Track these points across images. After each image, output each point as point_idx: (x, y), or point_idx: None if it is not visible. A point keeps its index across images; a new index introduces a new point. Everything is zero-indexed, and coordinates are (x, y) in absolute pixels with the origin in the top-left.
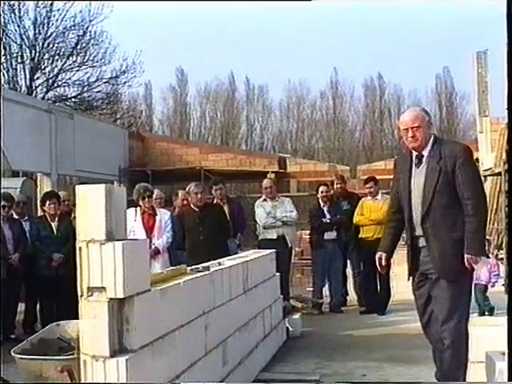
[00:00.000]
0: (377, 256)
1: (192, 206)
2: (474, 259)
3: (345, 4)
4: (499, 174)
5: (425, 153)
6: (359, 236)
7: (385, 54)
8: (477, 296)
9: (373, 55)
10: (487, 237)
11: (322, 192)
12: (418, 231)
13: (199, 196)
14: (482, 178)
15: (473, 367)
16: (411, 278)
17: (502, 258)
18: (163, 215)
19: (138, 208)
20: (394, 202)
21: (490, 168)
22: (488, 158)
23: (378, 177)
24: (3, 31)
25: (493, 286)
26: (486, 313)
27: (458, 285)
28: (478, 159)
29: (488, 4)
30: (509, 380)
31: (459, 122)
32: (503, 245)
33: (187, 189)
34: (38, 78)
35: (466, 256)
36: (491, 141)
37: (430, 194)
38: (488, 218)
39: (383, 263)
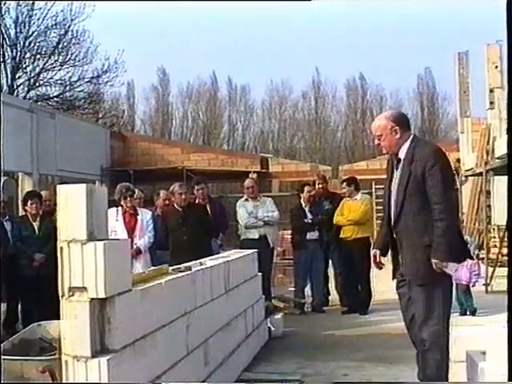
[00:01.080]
0: (371, 253)
1: (175, 205)
2: (439, 264)
3: (326, 5)
4: (480, 174)
5: (401, 155)
6: (340, 236)
7: (367, 54)
8: (458, 296)
9: (355, 56)
10: (467, 237)
11: (308, 192)
12: (394, 234)
13: (183, 196)
14: (463, 179)
15: (454, 367)
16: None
17: (482, 258)
18: (145, 215)
19: (120, 208)
20: (383, 201)
21: (472, 168)
22: (469, 158)
23: (359, 177)
24: None
25: (473, 286)
26: (468, 313)
27: (431, 288)
28: (459, 159)
29: (469, 5)
30: (509, 380)
31: (441, 122)
32: (484, 245)
33: (171, 189)
34: (19, 77)
35: (432, 261)
36: (472, 141)
37: (401, 198)
38: (464, 221)
39: (377, 260)
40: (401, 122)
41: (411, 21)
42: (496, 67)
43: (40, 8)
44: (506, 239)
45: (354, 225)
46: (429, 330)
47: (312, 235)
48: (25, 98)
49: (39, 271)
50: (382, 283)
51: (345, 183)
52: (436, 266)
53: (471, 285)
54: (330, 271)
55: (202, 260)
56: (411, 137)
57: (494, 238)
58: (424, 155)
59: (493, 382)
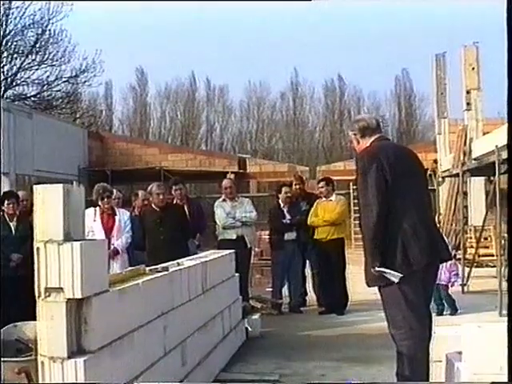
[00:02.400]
0: None
1: (153, 206)
2: (374, 270)
3: (305, 6)
4: (457, 175)
5: None
6: (314, 237)
7: (345, 55)
8: (435, 296)
9: (333, 57)
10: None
11: (285, 192)
12: None
13: (161, 197)
14: (440, 180)
15: (433, 367)
16: None
17: (459, 259)
18: (122, 215)
19: (98, 208)
20: None
21: (448, 169)
22: (446, 159)
23: (337, 178)
24: None
25: (452, 286)
26: (445, 312)
27: (387, 292)
28: (436, 160)
29: (447, 6)
30: (509, 380)
31: (418, 123)
32: (460, 245)
33: (149, 189)
34: None
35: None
36: (449, 142)
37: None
38: (441, 222)
39: None
40: (359, 129)
41: (389, 22)
42: (473, 69)
43: (17, 7)
44: (482, 240)
45: (330, 225)
46: (394, 333)
47: (290, 236)
48: (2, 97)
49: (16, 271)
50: (360, 284)
51: (322, 183)
52: (373, 271)
53: (450, 285)
54: (308, 271)
55: (179, 260)
56: (370, 141)
57: (471, 238)
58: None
59: (470, 383)
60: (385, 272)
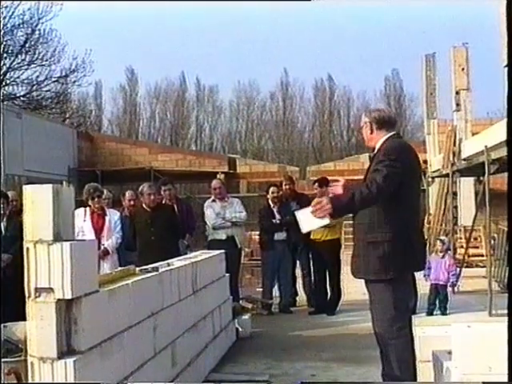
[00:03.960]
0: None
1: (144, 206)
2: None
3: (294, 6)
4: (447, 175)
5: (375, 151)
6: (310, 237)
7: (335, 55)
8: (428, 296)
9: (323, 57)
10: (442, 237)
11: (272, 193)
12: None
13: (151, 197)
14: (430, 180)
15: (421, 366)
16: None
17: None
18: (113, 216)
19: (88, 208)
20: None
21: (438, 169)
22: (435, 159)
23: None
24: None
25: (451, 286)
26: (435, 312)
27: (377, 289)
28: (425, 161)
29: (436, 7)
30: (509, 380)
31: (407, 123)
32: (450, 245)
33: (140, 189)
34: None
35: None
36: (439, 142)
37: None
38: (431, 222)
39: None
40: (376, 119)
41: (378, 23)
42: (462, 69)
43: (6, 6)
44: (472, 240)
45: (325, 227)
46: (380, 332)
47: (280, 236)
48: None
49: (5, 272)
50: (350, 284)
51: (316, 184)
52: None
53: (449, 284)
54: (298, 272)
55: (169, 261)
56: (388, 135)
57: (461, 238)
58: (382, 151)
59: (459, 382)
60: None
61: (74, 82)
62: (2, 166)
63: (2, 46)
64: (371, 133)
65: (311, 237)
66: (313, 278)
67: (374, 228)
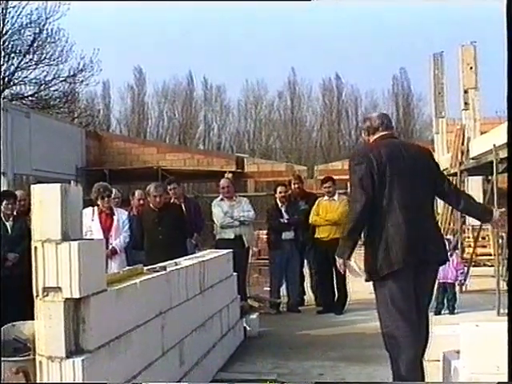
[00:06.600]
0: None
1: (151, 206)
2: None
3: (302, 5)
4: (455, 174)
5: None
6: (315, 236)
7: (343, 54)
8: (437, 295)
9: (331, 56)
10: (448, 236)
11: (280, 192)
12: None
13: (158, 199)
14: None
15: (429, 366)
16: None
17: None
18: (121, 215)
19: (96, 207)
20: None
21: (446, 168)
22: (444, 158)
23: (335, 177)
24: None
25: (459, 285)
26: (443, 311)
27: (378, 290)
28: None
29: (444, 6)
30: (509, 380)
31: (416, 122)
32: (458, 244)
33: (147, 189)
34: None
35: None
36: (447, 141)
37: None
38: (439, 221)
39: None
40: (365, 129)
41: (387, 22)
42: (471, 68)
43: (14, 6)
44: (480, 239)
45: (332, 225)
46: (383, 331)
47: (288, 235)
48: None
49: (12, 271)
50: (357, 283)
51: (329, 182)
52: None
53: (457, 283)
54: (306, 271)
55: (177, 260)
56: (375, 137)
57: (469, 238)
58: None
59: (468, 382)
60: (350, 266)
61: (82, 81)
62: (1, 166)
63: (10, 45)
64: (368, 139)
65: (317, 235)
66: (320, 277)
67: (363, 229)
